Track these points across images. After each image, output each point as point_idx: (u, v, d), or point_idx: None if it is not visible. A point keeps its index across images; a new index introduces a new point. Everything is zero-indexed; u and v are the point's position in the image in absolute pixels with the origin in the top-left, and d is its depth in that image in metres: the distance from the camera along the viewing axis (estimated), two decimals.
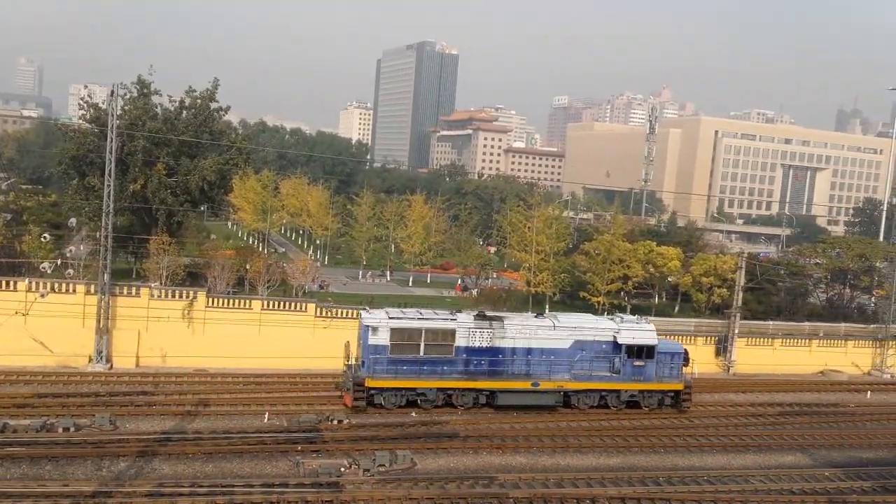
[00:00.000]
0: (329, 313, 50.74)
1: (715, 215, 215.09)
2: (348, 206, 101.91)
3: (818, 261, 78.94)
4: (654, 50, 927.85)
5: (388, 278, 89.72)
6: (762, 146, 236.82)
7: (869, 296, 78.08)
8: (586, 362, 43.63)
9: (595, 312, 61.36)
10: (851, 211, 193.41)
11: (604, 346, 43.94)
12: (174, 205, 64.42)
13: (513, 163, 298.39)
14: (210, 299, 48.88)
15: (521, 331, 42.92)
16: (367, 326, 40.66)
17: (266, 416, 38.23)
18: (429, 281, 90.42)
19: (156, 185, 62.80)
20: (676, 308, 77.25)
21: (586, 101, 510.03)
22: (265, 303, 50.58)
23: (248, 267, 62.82)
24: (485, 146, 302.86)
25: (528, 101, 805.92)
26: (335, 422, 37.97)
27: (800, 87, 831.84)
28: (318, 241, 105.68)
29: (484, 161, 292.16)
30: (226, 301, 49.71)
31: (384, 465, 32.12)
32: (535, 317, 45.88)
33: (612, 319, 46.62)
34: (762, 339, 60.31)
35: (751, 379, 55.30)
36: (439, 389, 41.54)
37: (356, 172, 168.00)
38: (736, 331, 57.97)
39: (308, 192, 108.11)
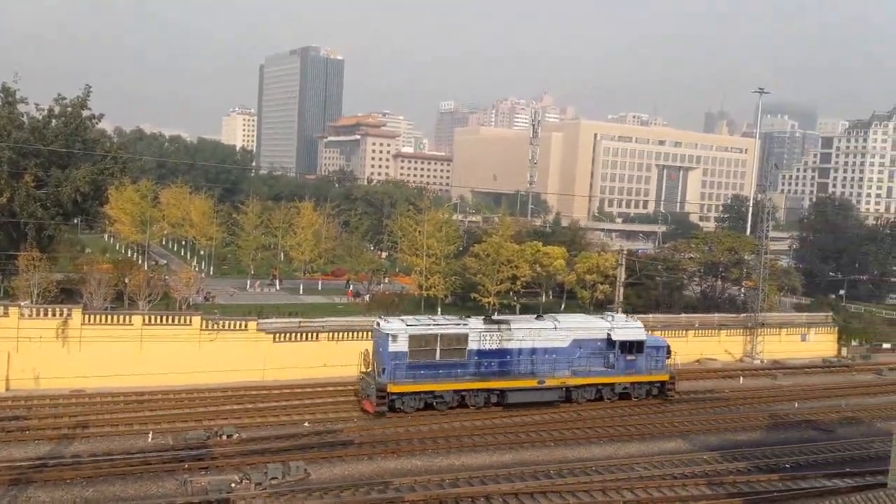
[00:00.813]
0: (216, 326, 49.32)
1: (596, 214, 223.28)
2: (234, 214, 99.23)
3: (692, 255, 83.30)
4: (535, 56, 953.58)
5: (278, 287, 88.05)
6: (638, 148, 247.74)
7: (739, 287, 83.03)
8: (584, 359, 46.75)
9: (485, 313, 62.52)
10: (721, 207, 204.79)
11: (599, 343, 47.14)
12: (44, 218, 60.92)
13: (402, 167, 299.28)
14: (86, 316, 46.51)
15: (526, 333, 45.66)
16: (388, 334, 42.26)
17: (150, 434, 36.74)
18: (320, 288, 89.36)
19: (24, 197, 59.25)
20: (563, 305, 79.66)
21: (472, 107, 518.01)
22: (146, 317, 48.56)
23: (126, 281, 60.11)
24: (373, 151, 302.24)
25: (415, 106, 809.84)
26: (224, 437, 36.96)
27: (671, 90, 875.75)
28: (202, 252, 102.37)
29: (373, 166, 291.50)
30: (103, 317, 47.45)
31: (276, 478, 31.55)
32: (536, 318, 48.38)
33: (603, 318, 49.77)
34: None
35: None
36: (455, 391, 43.52)
37: (241, 180, 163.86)
38: None
39: (190, 202, 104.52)
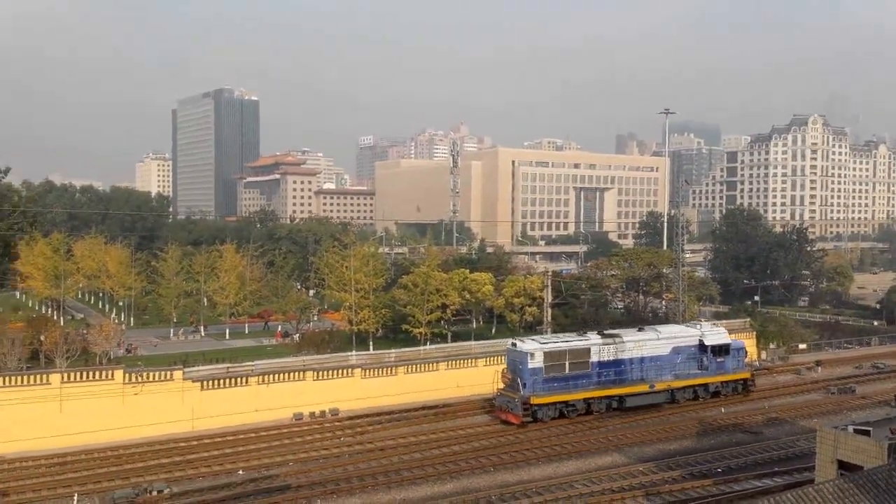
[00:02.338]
0: (139, 378, 47.60)
1: (519, 239, 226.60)
2: (153, 262, 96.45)
3: (614, 272, 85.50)
4: (450, 85, 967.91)
5: (203, 333, 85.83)
6: (555, 172, 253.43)
7: (660, 300, 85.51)
8: (683, 363, 52.14)
9: (417, 344, 62.86)
10: (637, 224, 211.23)
11: (693, 348, 52.59)
12: None
13: (324, 204, 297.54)
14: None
15: (635, 343, 50.66)
16: (526, 353, 47.19)
17: (75, 497, 35.06)
18: (247, 331, 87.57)
19: None
20: (493, 330, 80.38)
21: (391, 140, 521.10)
22: (65, 375, 46.45)
23: (42, 338, 57.59)
24: (294, 189, 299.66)
25: (334, 142, 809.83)
26: (155, 492, 35.58)
27: (582, 115, 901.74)
28: (121, 303, 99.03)
29: (295, 204, 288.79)
30: (17, 378, 45.12)
31: None
32: (639, 331, 53.50)
33: (693, 326, 55.42)
34: None
35: None
36: (583, 400, 48.33)
37: (159, 227, 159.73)
38: None
39: (106, 252, 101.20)
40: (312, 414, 50.12)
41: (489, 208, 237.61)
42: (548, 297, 63.32)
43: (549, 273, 68.60)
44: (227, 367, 52.22)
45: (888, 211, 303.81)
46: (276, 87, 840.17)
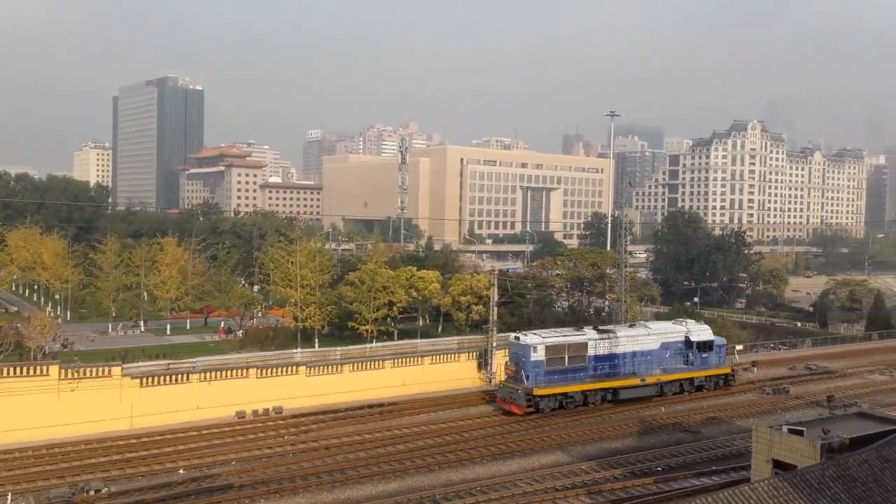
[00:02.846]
0: (76, 374, 46.24)
1: (467, 237, 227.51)
2: (90, 254, 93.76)
3: (559, 272, 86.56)
4: (399, 82, 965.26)
5: (142, 329, 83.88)
6: (503, 171, 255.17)
7: (603, 300, 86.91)
8: (671, 358, 55.03)
9: (363, 341, 62.71)
10: (582, 225, 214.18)
11: (679, 344, 55.52)
12: None
13: (270, 198, 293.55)
14: None
15: (628, 339, 53.40)
16: (529, 346, 49.59)
17: (9, 497, 33.92)
18: (188, 327, 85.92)
19: None
20: (440, 328, 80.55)
21: (339, 134, 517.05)
22: None
23: None
24: (239, 182, 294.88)
25: (281, 135, 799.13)
26: (92, 492, 34.66)
27: (530, 114, 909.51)
28: (57, 296, 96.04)
29: (240, 198, 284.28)
30: None
31: None
32: (630, 327, 56.59)
33: (679, 324, 58.21)
34: None
35: None
36: (581, 392, 50.82)
37: (97, 218, 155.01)
38: (494, 344, 61.52)
39: (41, 243, 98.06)
40: (256, 412, 49.49)
41: (437, 206, 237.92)
42: (494, 295, 63.64)
43: (496, 272, 68.98)
44: (168, 364, 51.20)
45: (822, 216, 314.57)
46: (222, 78, 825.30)
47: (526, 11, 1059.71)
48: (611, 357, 52.51)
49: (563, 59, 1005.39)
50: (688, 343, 55.68)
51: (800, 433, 28.19)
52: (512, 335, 53.60)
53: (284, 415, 49.47)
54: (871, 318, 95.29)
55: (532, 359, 49.45)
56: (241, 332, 77.28)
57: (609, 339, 52.84)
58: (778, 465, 27.48)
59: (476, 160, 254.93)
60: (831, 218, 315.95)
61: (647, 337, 54.60)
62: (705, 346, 56.25)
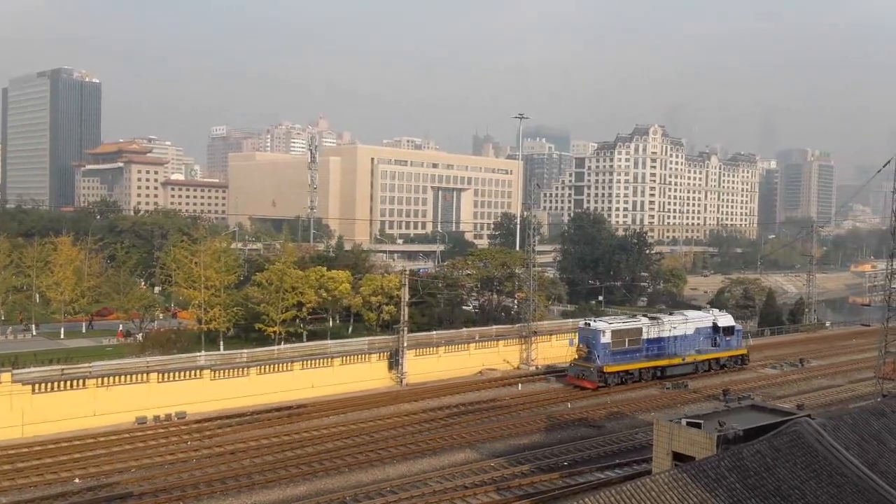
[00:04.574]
0: None
1: (378, 237, 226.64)
2: None
3: (469, 272, 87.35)
4: (309, 80, 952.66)
5: (34, 332, 79.62)
6: (414, 170, 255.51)
7: (512, 299, 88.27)
8: (702, 341, 63.26)
9: (271, 343, 61.66)
10: (492, 225, 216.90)
11: (709, 329, 63.84)
12: None
13: (172, 196, 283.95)
14: None
15: (671, 325, 61.40)
16: (599, 331, 57.60)
17: None
18: (84, 330, 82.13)
19: None
20: (350, 329, 79.89)
21: (246, 131, 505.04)
22: None
23: None
24: (139, 180, 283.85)
25: (184, 131, 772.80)
26: None
27: (440, 115, 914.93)
28: None
29: (140, 195, 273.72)
30: None
31: None
32: (671, 314, 65.54)
33: (708, 312, 68.73)
34: (428, 349, 64.81)
35: (422, 387, 59.06)
36: (637, 370, 58.81)
37: None
38: (405, 344, 61.59)
39: None
40: (157, 417, 47.80)
41: (348, 205, 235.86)
42: (405, 295, 63.62)
43: (407, 272, 68.98)
44: (63, 369, 48.71)
45: (718, 217, 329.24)
46: (122, 71, 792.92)
47: (441, 12, 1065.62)
48: (659, 340, 60.63)
49: (474, 63, 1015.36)
50: (715, 328, 64.27)
51: (698, 426, 29.34)
52: (582, 321, 63.17)
53: (188, 420, 47.95)
54: (763, 315, 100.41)
55: (602, 341, 57.35)
56: (140, 335, 74.41)
57: (658, 325, 60.98)
58: (678, 457, 28.49)
59: (387, 160, 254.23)
60: (727, 219, 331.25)
61: (686, 323, 62.78)
62: (729, 331, 65.40)
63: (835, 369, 69.00)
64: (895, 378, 55.54)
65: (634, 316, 65.44)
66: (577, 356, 58.85)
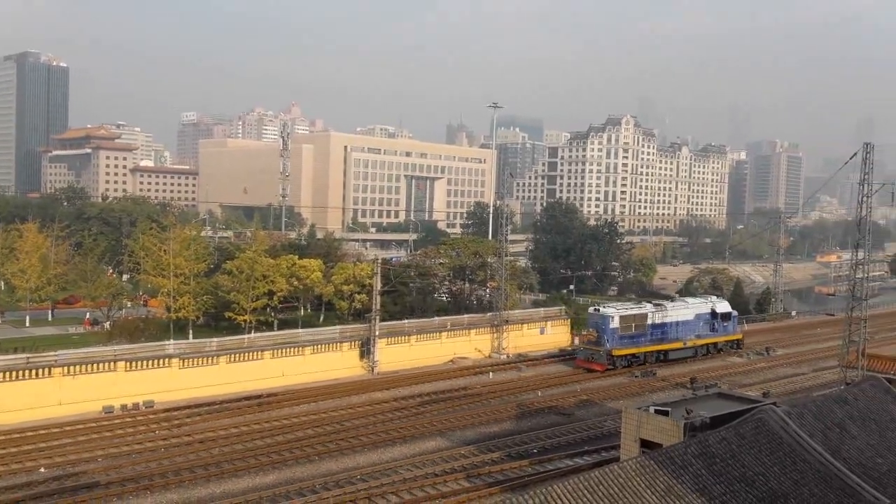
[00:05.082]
0: None
1: (350, 225, 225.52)
2: None
3: (441, 261, 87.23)
4: (283, 66, 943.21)
5: (0, 320, 78.19)
6: (387, 159, 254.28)
7: (485, 288, 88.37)
8: (702, 327, 67.20)
9: (241, 332, 61.33)
10: (465, 214, 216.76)
11: (708, 315, 67.71)
12: None
13: (141, 183, 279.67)
14: None
15: (674, 311, 65.46)
16: (608, 316, 61.51)
17: None
18: (51, 318, 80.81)
19: None
20: (322, 317, 79.49)
21: (217, 118, 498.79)
22: None
23: None
24: (108, 166, 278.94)
25: (154, 117, 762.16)
26: None
27: (414, 104, 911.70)
28: None
29: (108, 182, 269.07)
30: None
31: None
32: (673, 301, 70.43)
33: (706, 299, 72.36)
34: (400, 338, 64.83)
35: (393, 375, 59.13)
36: (643, 353, 62.76)
37: None
38: (377, 332, 61.51)
39: None
40: (125, 406, 47.31)
41: (320, 193, 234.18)
42: (377, 284, 63.44)
43: (379, 260, 68.76)
44: (28, 357, 47.92)
45: (688, 208, 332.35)
46: (92, 55, 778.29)
47: (414, 3, 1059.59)
48: (662, 325, 64.42)
49: (448, 52, 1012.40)
50: (713, 314, 68.16)
51: (665, 413, 29.70)
52: (591, 307, 67.38)
53: (156, 409, 47.53)
54: (731, 304, 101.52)
55: (610, 326, 61.03)
56: (108, 323, 73.39)
57: (662, 311, 64.82)
58: (645, 444, 28.84)
59: (360, 148, 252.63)
60: (696, 210, 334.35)
61: (686, 309, 66.94)
62: (726, 317, 69.26)
63: (800, 358, 70.24)
64: (858, 366, 56.67)
65: (639, 303, 69.12)
66: (586, 341, 63.27)
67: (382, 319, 64.05)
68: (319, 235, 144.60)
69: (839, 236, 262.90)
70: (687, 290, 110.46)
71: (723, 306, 70.00)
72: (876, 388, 29.29)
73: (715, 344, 68.61)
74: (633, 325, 62.59)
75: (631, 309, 64.71)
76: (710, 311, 68.25)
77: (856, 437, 25.98)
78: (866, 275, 50.81)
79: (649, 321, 63.48)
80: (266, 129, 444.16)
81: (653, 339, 63.75)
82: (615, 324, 61.37)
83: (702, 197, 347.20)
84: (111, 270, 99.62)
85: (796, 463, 23.56)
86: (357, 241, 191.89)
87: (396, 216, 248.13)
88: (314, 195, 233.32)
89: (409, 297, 79.14)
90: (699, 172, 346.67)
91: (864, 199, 49.11)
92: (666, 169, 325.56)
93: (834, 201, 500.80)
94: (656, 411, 30.01)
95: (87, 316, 78.36)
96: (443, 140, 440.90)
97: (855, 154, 49.68)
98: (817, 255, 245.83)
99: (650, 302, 68.48)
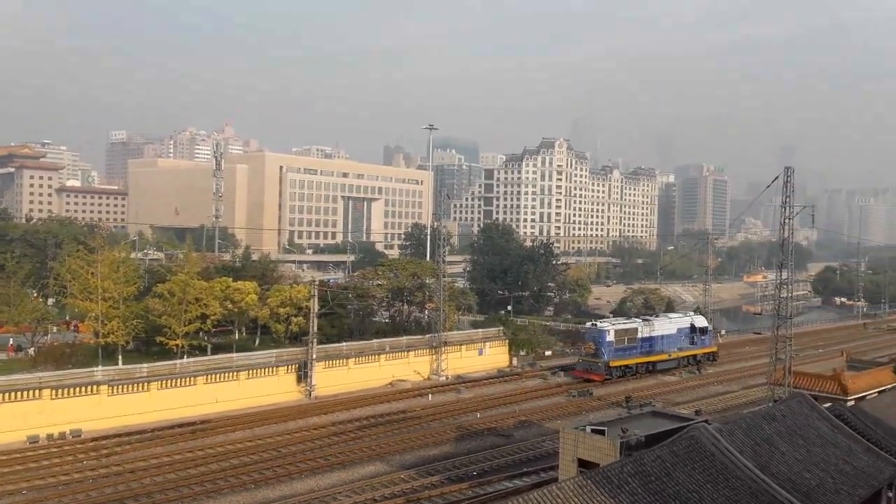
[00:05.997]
0: None
1: (287, 247, 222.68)
2: None
3: (379, 282, 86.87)
4: (215, 86, 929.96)
5: None
6: (324, 180, 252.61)
7: (423, 309, 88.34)
8: (683, 340, 72.69)
9: (173, 357, 59.85)
10: (403, 235, 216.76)
11: (688, 329, 73.57)
12: None
13: (68, 203, 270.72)
14: None
15: (659, 326, 70.90)
16: (605, 330, 67.12)
17: None
18: None
19: None
20: (257, 341, 78.06)
21: (147, 137, 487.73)
22: None
23: None
24: (31, 186, 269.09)
25: (81, 136, 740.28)
26: None
27: (351, 125, 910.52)
28: None
29: (32, 202, 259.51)
30: None
31: None
32: (657, 316, 75.96)
33: (686, 314, 79.34)
34: (338, 361, 64.20)
35: (331, 399, 58.42)
36: (634, 364, 68.03)
37: None
38: (314, 356, 60.75)
39: None
40: (51, 436, 45.46)
41: (255, 214, 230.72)
42: (314, 306, 62.76)
43: (316, 282, 68.09)
44: None
45: (620, 229, 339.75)
46: (13, 71, 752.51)
47: (349, 21, 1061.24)
48: (650, 339, 69.59)
49: (389, 72, 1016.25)
50: (693, 328, 73.86)
51: (602, 433, 30.18)
52: (588, 322, 74.62)
53: (84, 438, 45.83)
54: None
55: (607, 339, 66.21)
56: (32, 349, 70.50)
57: (650, 325, 70.04)
58: (583, 463, 29.23)
59: (296, 168, 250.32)
60: (628, 231, 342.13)
61: (670, 323, 72.38)
62: (703, 331, 75.09)
63: (729, 376, 72.38)
64: (785, 383, 58.68)
65: (630, 318, 75.28)
66: (584, 353, 68.33)
67: (320, 342, 63.35)
68: (254, 257, 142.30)
69: (764, 257, 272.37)
70: (620, 310, 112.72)
71: (700, 321, 75.76)
72: (802, 405, 30.44)
73: (695, 356, 73.75)
74: (626, 338, 67.92)
75: (623, 323, 70.57)
76: (689, 325, 73.96)
77: (784, 452, 26.90)
78: (790, 294, 52.82)
79: (639, 335, 68.85)
80: (199, 149, 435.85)
81: (643, 352, 69.01)
82: (611, 337, 66.60)
83: (633, 219, 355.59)
84: (36, 294, 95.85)
85: (728, 479, 24.25)
86: (293, 262, 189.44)
87: (333, 237, 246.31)
88: (249, 216, 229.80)
89: (348, 320, 78.54)
90: (630, 195, 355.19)
91: (787, 220, 51.09)
92: (598, 191, 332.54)
93: (759, 223, 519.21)
94: (593, 431, 30.47)
95: (11, 342, 75.12)
96: (380, 161, 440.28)
97: (776, 178, 51.71)
98: (744, 275, 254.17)
99: (639, 317, 74.51)
